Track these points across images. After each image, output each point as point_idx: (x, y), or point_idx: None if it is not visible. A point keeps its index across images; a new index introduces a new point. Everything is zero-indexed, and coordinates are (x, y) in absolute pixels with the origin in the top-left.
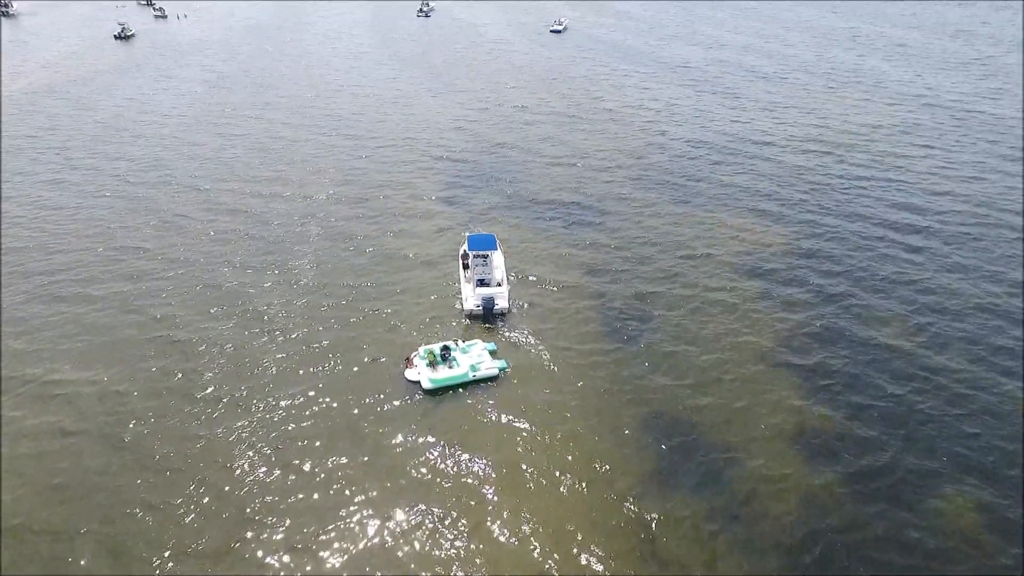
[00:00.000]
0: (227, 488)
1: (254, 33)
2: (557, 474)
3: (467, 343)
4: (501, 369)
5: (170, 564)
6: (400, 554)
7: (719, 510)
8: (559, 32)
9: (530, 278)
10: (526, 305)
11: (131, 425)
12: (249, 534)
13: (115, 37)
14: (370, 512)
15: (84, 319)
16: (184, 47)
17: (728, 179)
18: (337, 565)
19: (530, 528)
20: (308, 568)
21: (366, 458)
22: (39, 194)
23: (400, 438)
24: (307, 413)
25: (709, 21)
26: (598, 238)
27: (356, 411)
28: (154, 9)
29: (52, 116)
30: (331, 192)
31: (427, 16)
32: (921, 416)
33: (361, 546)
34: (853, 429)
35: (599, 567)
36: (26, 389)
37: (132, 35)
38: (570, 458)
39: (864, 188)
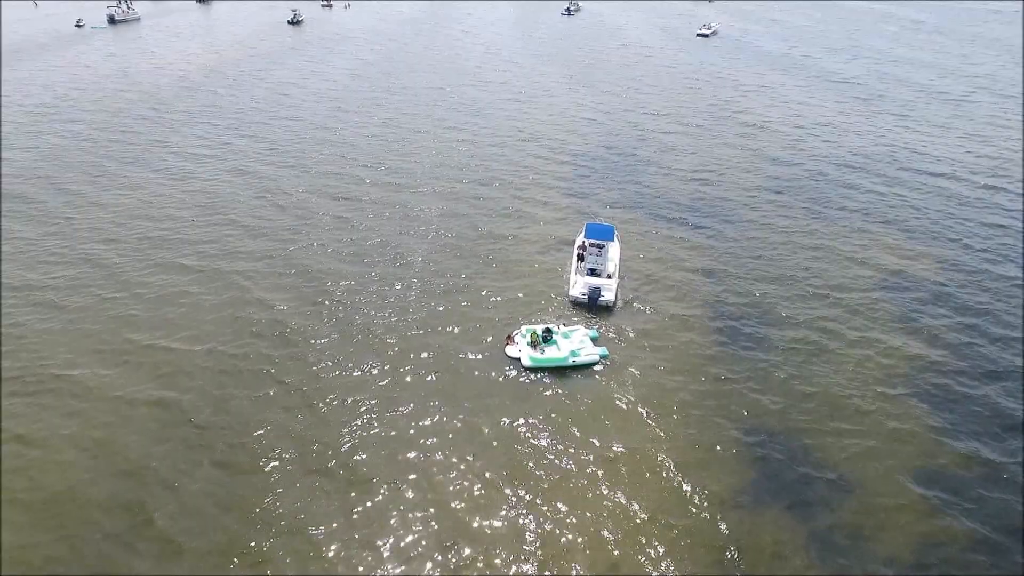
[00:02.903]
0: (318, 446)
1: (407, 24)
2: (645, 471)
3: (569, 328)
4: (602, 356)
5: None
6: (477, 526)
7: (818, 538)
8: (707, 37)
9: (643, 275)
10: (634, 301)
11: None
12: (343, 496)
13: (288, 22)
14: (456, 482)
15: (198, 294)
16: (343, 34)
17: (881, 203)
18: (417, 534)
19: (609, 521)
20: (386, 539)
21: (460, 427)
22: (179, 166)
23: (495, 413)
24: (408, 377)
25: (876, 34)
26: (720, 246)
27: (455, 380)
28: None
29: (216, 92)
30: (457, 175)
31: (571, 15)
32: None
33: (444, 515)
34: (989, 473)
35: (675, 573)
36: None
37: (301, 21)
38: (661, 457)
39: None
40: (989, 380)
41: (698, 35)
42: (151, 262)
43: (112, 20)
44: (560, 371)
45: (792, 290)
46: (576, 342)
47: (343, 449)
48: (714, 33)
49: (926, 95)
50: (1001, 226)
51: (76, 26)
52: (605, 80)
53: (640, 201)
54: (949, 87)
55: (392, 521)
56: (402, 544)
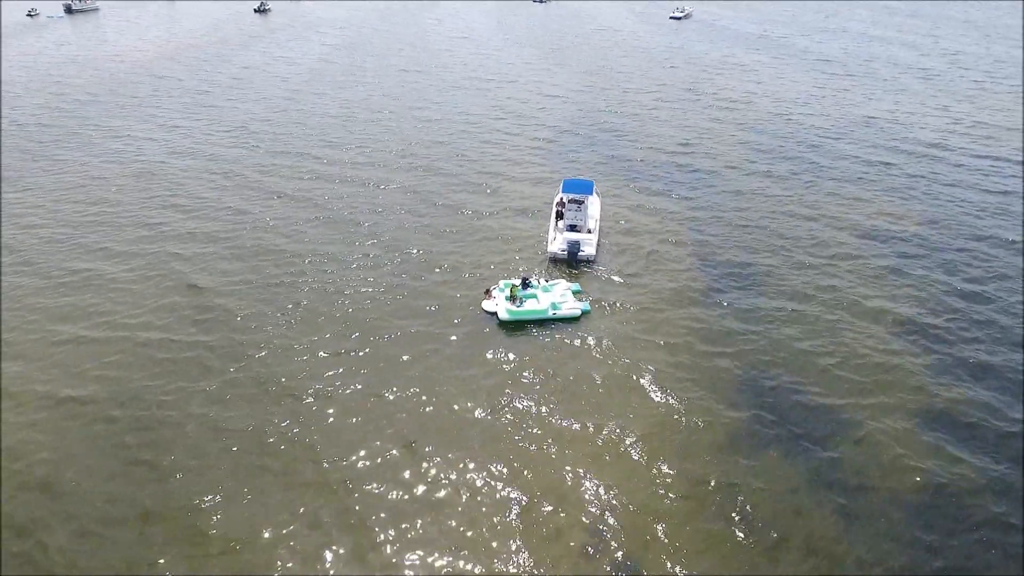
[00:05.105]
0: (284, 402)
1: (377, 12)
2: (635, 423)
3: (550, 282)
4: (584, 312)
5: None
6: (456, 484)
7: (821, 479)
8: (679, 19)
9: (625, 234)
10: (617, 257)
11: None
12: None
13: (255, 11)
14: (431, 442)
15: (131, 280)
16: (311, 22)
17: (863, 173)
18: (389, 496)
19: (602, 471)
20: (356, 498)
21: (432, 385)
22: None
23: (471, 369)
24: (382, 336)
25: (848, 18)
26: (702, 210)
27: (427, 338)
28: None
29: (176, 79)
30: (431, 150)
31: (543, 2)
32: None
33: (416, 477)
34: (988, 416)
35: (679, 522)
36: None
37: (269, 10)
38: (651, 406)
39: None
40: (985, 333)
41: (671, 18)
42: (78, 247)
43: (69, 10)
44: (540, 326)
45: (776, 241)
46: (557, 295)
47: (298, 436)
48: (687, 16)
49: (901, 71)
50: (990, 191)
51: (28, 16)
52: (580, 61)
53: (620, 170)
54: (924, 63)
55: (368, 502)
56: (376, 527)
